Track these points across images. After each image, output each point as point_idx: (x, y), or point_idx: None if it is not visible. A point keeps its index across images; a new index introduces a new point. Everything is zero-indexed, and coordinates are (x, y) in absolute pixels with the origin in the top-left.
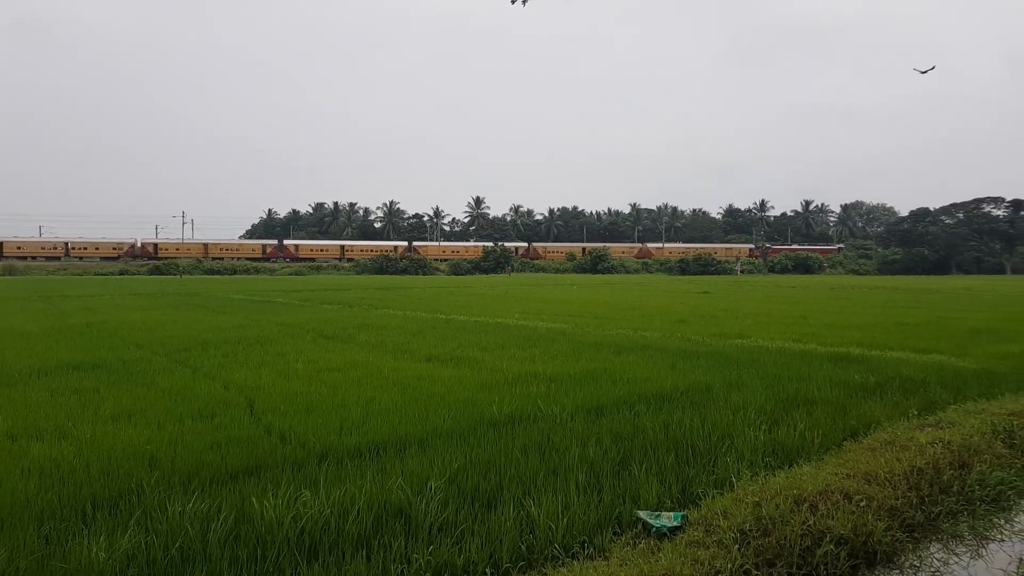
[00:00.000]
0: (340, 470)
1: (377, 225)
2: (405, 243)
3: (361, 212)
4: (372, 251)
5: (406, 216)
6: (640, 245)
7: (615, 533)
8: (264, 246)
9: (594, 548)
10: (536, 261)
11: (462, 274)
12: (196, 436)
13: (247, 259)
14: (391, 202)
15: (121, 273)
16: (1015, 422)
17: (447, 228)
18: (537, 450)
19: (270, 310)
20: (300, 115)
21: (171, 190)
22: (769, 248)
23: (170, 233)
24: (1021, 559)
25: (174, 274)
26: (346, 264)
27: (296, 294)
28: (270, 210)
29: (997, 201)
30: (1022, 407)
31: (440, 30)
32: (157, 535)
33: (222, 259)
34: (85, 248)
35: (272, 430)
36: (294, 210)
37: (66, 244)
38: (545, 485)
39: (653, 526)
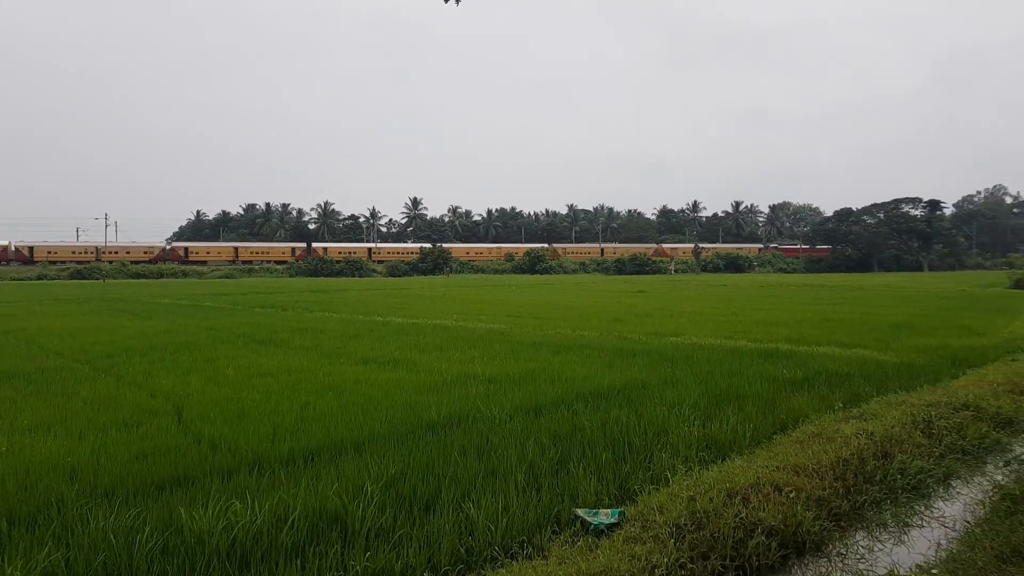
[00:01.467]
0: (273, 478)
1: (312, 226)
2: (423, 245)
3: (294, 213)
4: (398, 253)
5: (341, 217)
6: (656, 246)
7: (554, 532)
8: (293, 248)
9: (533, 548)
10: (475, 262)
11: (399, 276)
12: (121, 446)
13: (275, 262)
14: (326, 203)
15: (39, 278)
16: (933, 412)
17: (384, 229)
18: (476, 451)
19: (199, 314)
20: (228, 113)
21: (89, 190)
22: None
23: (93, 235)
24: (940, 544)
25: (97, 278)
26: (279, 267)
27: (226, 298)
28: (199, 211)
29: (915, 202)
30: (939, 398)
31: (375, 30)
32: (79, 550)
33: (251, 262)
34: (116, 252)
35: (201, 438)
36: (224, 211)
37: (97, 249)
38: (484, 486)
39: (591, 523)
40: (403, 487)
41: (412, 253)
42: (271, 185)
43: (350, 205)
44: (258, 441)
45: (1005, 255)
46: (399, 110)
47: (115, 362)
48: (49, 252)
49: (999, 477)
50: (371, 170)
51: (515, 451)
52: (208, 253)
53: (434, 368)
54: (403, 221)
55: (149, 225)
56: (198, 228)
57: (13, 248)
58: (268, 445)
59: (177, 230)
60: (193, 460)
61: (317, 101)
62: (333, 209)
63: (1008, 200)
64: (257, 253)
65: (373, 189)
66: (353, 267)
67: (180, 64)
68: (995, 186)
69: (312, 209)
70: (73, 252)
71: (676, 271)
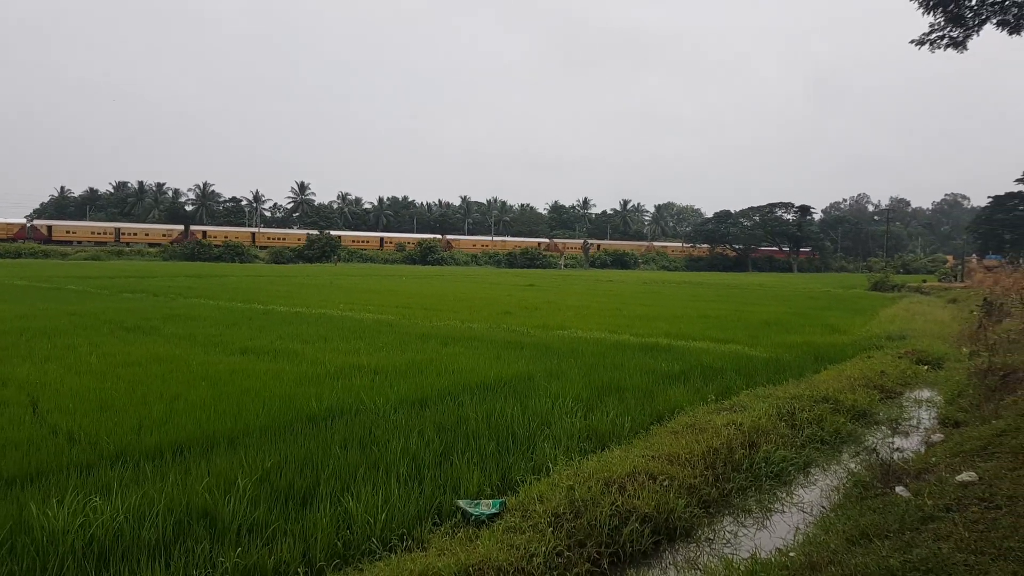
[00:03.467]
0: (137, 472)
1: (189, 208)
2: (436, 236)
3: (170, 193)
4: (410, 243)
5: (222, 199)
6: (647, 244)
7: (435, 524)
8: (308, 235)
9: (413, 540)
10: (365, 251)
11: (284, 263)
12: None
13: (289, 248)
14: (204, 184)
15: None
16: (796, 405)
17: (268, 214)
18: (358, 444)
19: (60, 298)
20: (94, 86)
21: None
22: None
23: None
24: (798, 528)
25: None
26: (151, 250)
27: (93, 281)
28: (63, 187)
29: (787, 206)
30: (802, 391)
31: (258, 7)
32: None
33: (266, 247)
34: (135, 234)
35: (58, 431)
36: (91, 188)
37: (117, 230)
38: (365, 479)
39: (473, 514)
40: (279, 481)
41: (426, 244)
42: (143, 163)
43: (232, 187)
44: (122, 434)
45: (866, 259)
46: (282, 92)
47: None
48: (68, 232)
49: (852, 465)
50: (254, 153)
51: (399, 443)
52: (226, 237)
53: (317, 359)
54: (289, 206)
55: (19, 201)
56: (62, 206)
57: (30, 227)
58: (133, 438)
59: (38, 207)
60: (48, 454)
61: (193, 78)
62: (213, 191)
63: (870, 208)
64: (272, 239)
65: (257, 173)
66: (233, 252)
67: (40, 33)
68: (859, 194)
69: (190, 190)
70: (92, 232)
71: (565, 266)
